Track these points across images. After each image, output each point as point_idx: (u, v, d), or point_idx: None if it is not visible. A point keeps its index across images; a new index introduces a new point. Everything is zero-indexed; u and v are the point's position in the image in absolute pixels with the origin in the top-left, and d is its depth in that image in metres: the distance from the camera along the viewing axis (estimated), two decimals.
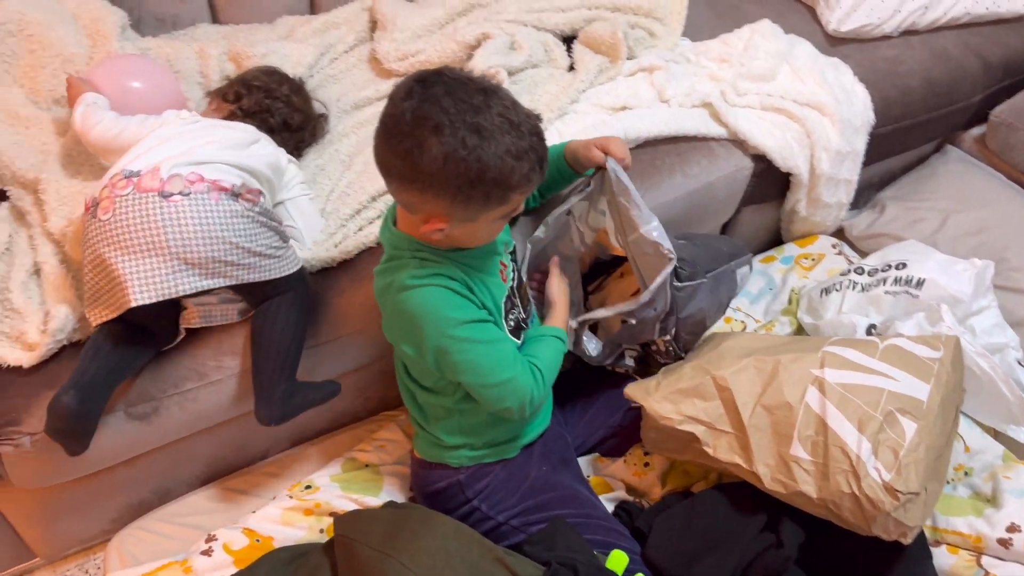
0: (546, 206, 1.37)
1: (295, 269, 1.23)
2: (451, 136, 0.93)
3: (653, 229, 1.18)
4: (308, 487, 1.34)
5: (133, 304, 1.09)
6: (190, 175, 1.15)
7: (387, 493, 1.34)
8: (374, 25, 1.70)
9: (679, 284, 1.22)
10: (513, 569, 1.07)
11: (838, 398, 1.10)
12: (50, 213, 1.28)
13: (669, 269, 1.17)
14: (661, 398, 1.20)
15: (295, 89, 1.45)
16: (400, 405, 1.50)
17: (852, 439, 1.06)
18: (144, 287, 1.09)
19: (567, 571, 1.09)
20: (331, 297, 1.31)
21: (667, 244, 1.17)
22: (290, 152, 1.39)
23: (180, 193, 1.12)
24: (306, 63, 1.58)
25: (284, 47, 1.58)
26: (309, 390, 1.25)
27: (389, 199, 1.38)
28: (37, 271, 1.26)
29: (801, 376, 1.14)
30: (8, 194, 1.34)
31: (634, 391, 1.24)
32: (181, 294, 1.12)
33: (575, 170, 1.27)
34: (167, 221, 1.10)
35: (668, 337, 1.26)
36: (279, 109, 1.39)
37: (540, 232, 1.29)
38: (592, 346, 1.29)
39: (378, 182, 1.36)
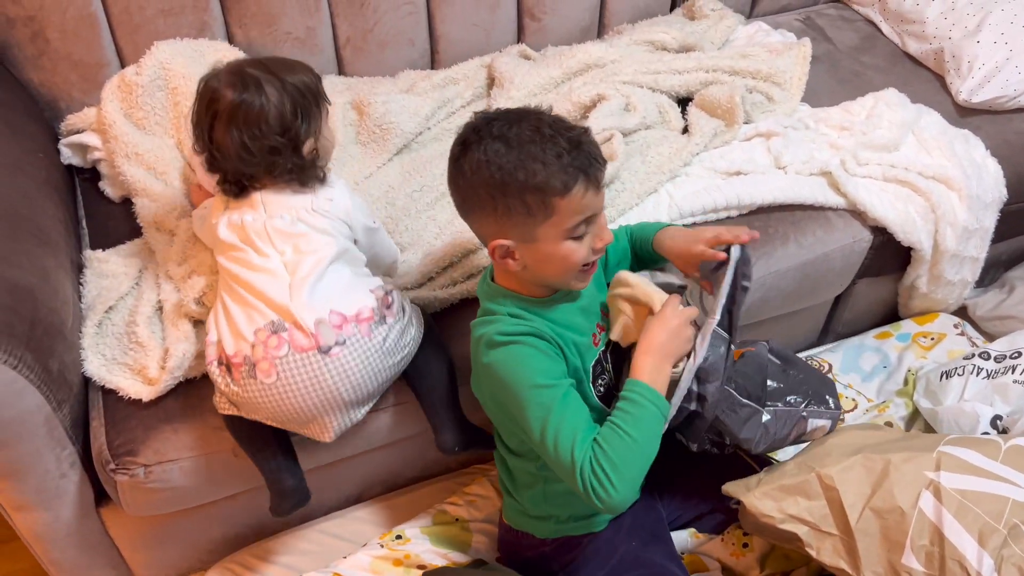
0: None
1: (423, 326, 1.25)
2: (477, 150, 0.99)
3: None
4: (399, 537, 1.35)
5: (326, 441, 1.19)
6: (332, 318, 1.12)
7: (475, 551, 1.34)
8: (492, 82, 1.74)
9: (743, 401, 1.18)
10: None
11: (956, 506, 1.03)
12: (175, 253, 1.35)
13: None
14: (762, 495, 1.15)
15: (261, 109, 1.11)
16: (492, 459, 1.51)
17: (972, 553, 0.99)
18: (327, 429, 1.17)
19: None
20: None
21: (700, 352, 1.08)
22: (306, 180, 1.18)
23: (337, 344, 1.11)
24: (423, 114, 1.63)
25: (403, 98, 1.63)
26: (477, 428, 1.30)
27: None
28: (160, 308, 1.33)
29: (914, 479, 1.07)
30: (143, 231, 1.43)
31: (734, 488, 1.19)
32: (360, 420, 1.21)
33: (656, 257, 1.24)
34: (336, 377, 1.12)
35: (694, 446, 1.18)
36: (265, 160, 1.13)
37: None
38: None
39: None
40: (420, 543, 1.34)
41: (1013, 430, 1.31)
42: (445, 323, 1.34)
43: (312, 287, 1.12)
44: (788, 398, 1.21)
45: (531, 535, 1.21)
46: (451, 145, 1.04)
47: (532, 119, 1.00)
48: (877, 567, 1.06)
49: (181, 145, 1.49)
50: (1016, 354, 1.46)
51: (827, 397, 1.26)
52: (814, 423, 1.25)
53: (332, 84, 1.72)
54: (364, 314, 1.14)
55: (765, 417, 1.19)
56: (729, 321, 1.12)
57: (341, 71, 1.77)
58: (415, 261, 1.38)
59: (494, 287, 1.11)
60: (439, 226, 1.43)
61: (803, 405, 1.22)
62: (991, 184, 1.63)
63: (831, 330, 1.80)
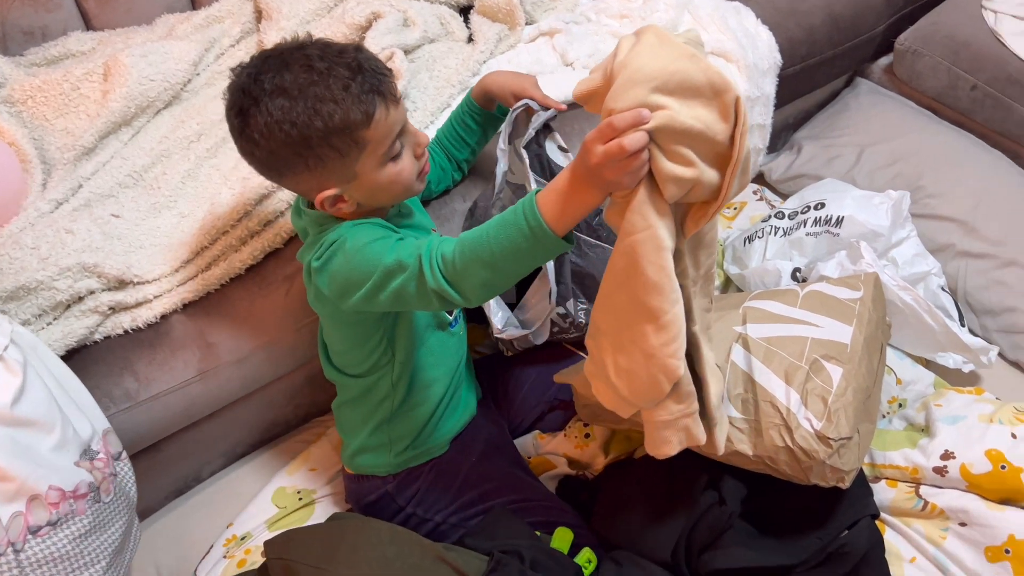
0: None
1: None
2: (257, 113, 0.92)
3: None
4: (243, 538, 1.29)
5: None
6: None
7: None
8: (260, 15, 1.62)
9: (592, 241, 1.19)
10: (456, 565, 1.05)
11: (763, 353, 1.09)
12: None
13: None
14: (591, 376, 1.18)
15: None
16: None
17: (780, 392, 1.05)
18: None
19: (510, 557, 1.07)
20: (242, 308, 1.26)
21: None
22: None
23: None
24: (189, 60, 1.50)
25: (163, 46, 1.49)
26: None
27: (283, 193, 1.31)
28: None
29: (725, 335, 1.12)
30: None
31: (566, 376, 1.21)
32: None
33: (480, 116, 1.25)
34: None
35: (563, 310, 1.19)
36: None
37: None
38: (498, 317, 1.22)
39: None
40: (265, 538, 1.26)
41: (810, 278, 1.39)
42: (252, 284, 1.26)
43: None
44: None
45: (373, 476, 1.18)
46: (227, 116, 0.96)
47: (299, 59, 0.93)
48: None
49: None
50: (806, 208, 1.55)
51: None
52: None
53: (80, 41, 1.55)
54: None
55: None
56: None
57: (88, 26, 1.60)
58: (200, 215, 1.28)
59: (318, 213, 1.02)
60: (223, 174, 1.34)
61: None
62: (765, 51, 1.69)
63: None
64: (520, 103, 1.18)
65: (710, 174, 0.77)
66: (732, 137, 0.75)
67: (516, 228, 0.83)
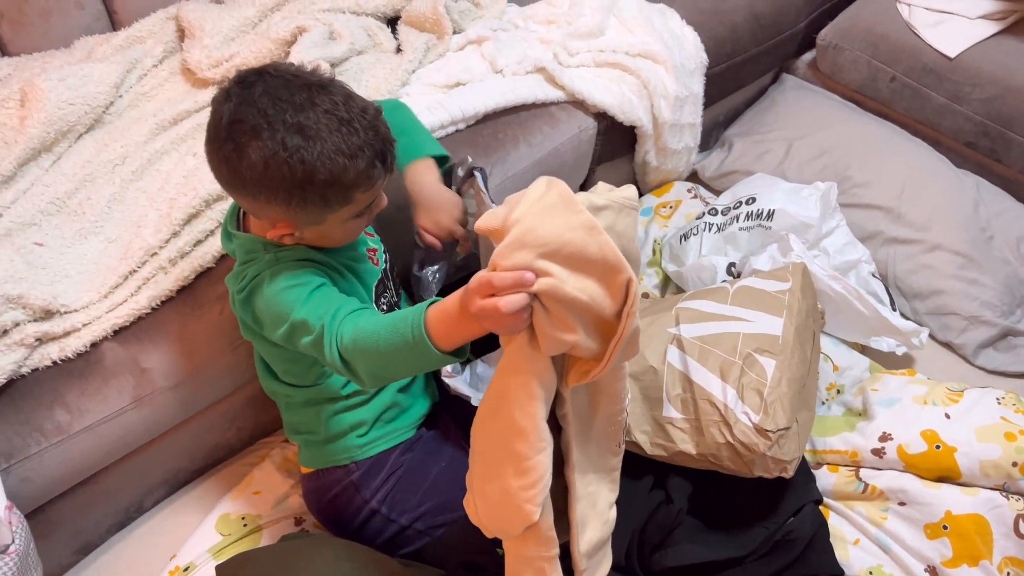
0: None
1: None
2: (270, 139, 0.89)
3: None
4: (187, 569, 1.26)
5: None
6: None
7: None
8: (183, 34, 1.59)
9: None
10: None
11: (697, 352, 1.11)
12: None
13: None
14: None
15: None
16: (276, 429, 1.44)
17: (717, 389, 1.07)
18: None
19: (470, 573, 1.06)
20: (175, 331, 1.23)
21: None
22: None
23: None
24: (110, 82, 1.46)
25: (83, 69, 1.45)
26: None
27: (220, 207, 1.29)
28: None
29: (659, 338, 1.13)
30: None
31: None
32: None
33: None
34: None
35: None
36: None
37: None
38: None
39: (200, 191, 1.28)
40: (210, 567, 1.23)
41: (744, 271, 1.42)
42: (184, 305, 1.24)
43: None
44: None
45: (335, 467, 1.16)
46: (227, 125, 0.90)
47: (325, 101, 0.90)
48: (644, 426, 1.12)
49: None
50: (737, 204, 1.58)
51: None
52: None
53: None
54: None
55: None
56: None
57: (4, 52, 1.55)
58: (128, 239, 1.26)
59: (250, 237, 1.03)
60: (149, 196, 1.31)
61: None
62: (692, 52, 1.72)
63: None
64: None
65: (591, 343, 0.74)
66: (620, 313, 0.73)
67: (402, 336, 0.83)
